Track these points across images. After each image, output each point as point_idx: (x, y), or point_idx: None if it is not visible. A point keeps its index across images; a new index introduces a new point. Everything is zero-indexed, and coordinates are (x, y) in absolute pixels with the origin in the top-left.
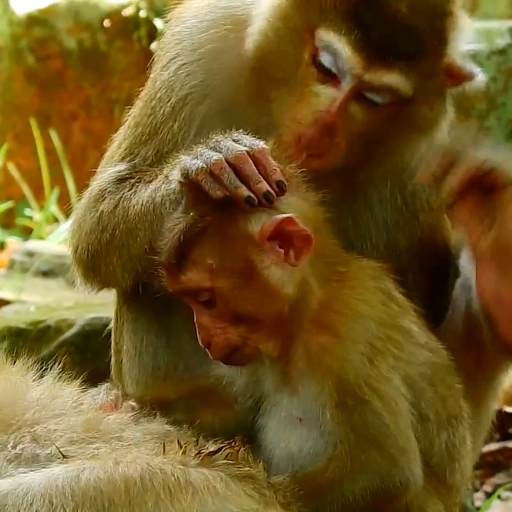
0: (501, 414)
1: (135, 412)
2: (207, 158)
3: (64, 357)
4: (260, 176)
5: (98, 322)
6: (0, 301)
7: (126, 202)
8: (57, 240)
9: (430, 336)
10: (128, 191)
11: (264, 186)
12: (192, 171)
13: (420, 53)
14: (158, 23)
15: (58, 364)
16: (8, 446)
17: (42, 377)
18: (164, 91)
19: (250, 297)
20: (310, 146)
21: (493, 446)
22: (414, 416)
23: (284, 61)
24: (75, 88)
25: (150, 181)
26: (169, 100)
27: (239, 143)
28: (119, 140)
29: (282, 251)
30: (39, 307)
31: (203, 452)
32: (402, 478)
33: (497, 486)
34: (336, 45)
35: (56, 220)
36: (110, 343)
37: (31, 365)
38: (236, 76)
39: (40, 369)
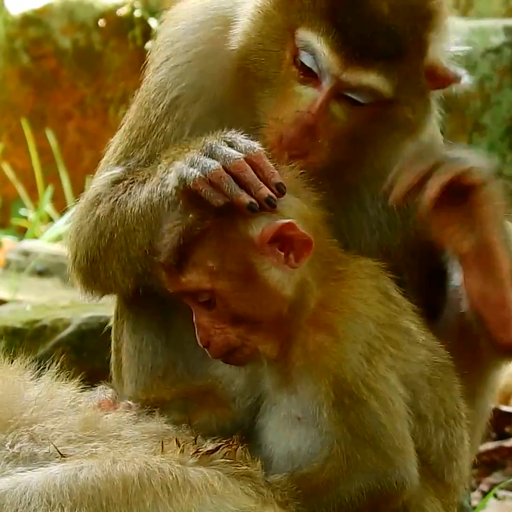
0: (497, 413)
1: (133, 411)
2: (205, 167)
3: (61, 356)
4: (260, 182)
5: (94, 321)
6: None
7: (123, 205)
8: (51, 238)
9: (429, 335)
10: (123, 193)
11: (265, 191)
12: (190, 180)
13: (400, 53)
14: (152, 22)
15: (55, 364)
16: (6, 445)
17: (39, 377)
18: (157, 93)
19: (250, 298)
20: (291, 146)
21: (490, 445)
22: (412, 415)
23: (267, 61)
24: (69, 88)
25: (144, 182)
26: (162, 102)
27: (234, 148)
28: (115, 144)
29: (282, 254)
30: (35, 307)
31: (201, 451)
32: (398, 479)
33: (493, 486)
34: (315, 45)
35: (50, 219)
36: (107, 342)
37: (28, 364)
38: (227, 76)
39: (37, 369)
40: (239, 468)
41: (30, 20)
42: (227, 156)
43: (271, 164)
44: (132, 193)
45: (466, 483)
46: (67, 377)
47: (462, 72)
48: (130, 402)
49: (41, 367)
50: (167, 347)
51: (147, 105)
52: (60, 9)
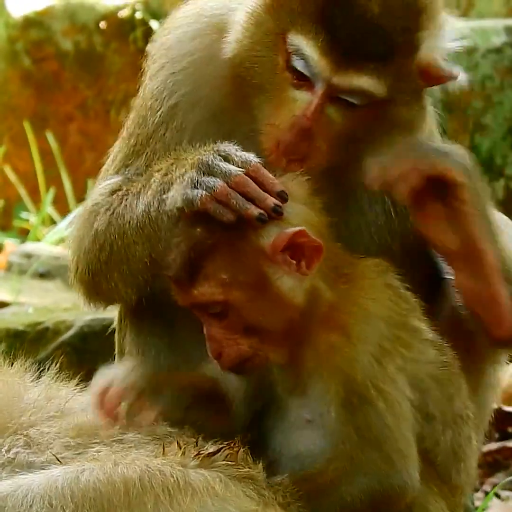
0: (500, 413)
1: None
2: (209, 187)
3: (62, 358)
4: (264, 193)
5: (96, 324)
6: None
7: (120, 219)
8: (53, 241)
9: (435, 334)
10: (118, 205)
11: (271, 201)
12: (197, 201)
13: (391, 54)
14: (154, 24)
15: (56, 366)
16: (2, 450)
17: (40, 379)
18: (154, 100)
19: (263, 307)
20: (288, 151)
21: (493, 446)
22: (420, 414)
23: (260, 67)
24: (71, 90)
25: (139, 193)
26: (160, 109)
27: (230, 162)
28: (114, 153)
29: (294, 262)
30: (37, 309)
31: (202, 453)
32: (400, 482)
33: (496, 486)
34: (305, 49)
35: (52, 221)
36: (109, 344)
37: (29, 366)
38: (223, 83)
39: (38, 371)
40: (240, 470)
41: (31, 22)
42: (226, 173)
43: (269, 174)
44: (127, 206)
45: (473, 484)
46: (69, 379)
47: (457, 70)
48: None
49: (43, 369)
50: (169, 350)
51: (144, 113)
52: (62, 11)
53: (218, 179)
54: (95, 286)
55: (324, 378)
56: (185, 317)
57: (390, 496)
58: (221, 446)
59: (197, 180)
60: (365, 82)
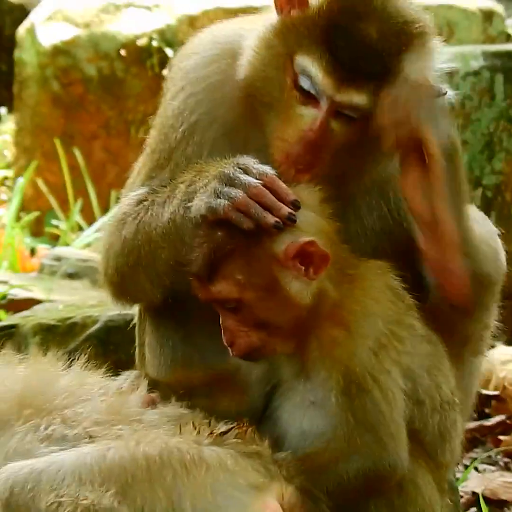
0: (478, 396)
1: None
2: (231, 197)
3: (89, 349)
4: (279, 203)
5: (119, 318)
6: (32, 300)
7: (147, 226)
8: (81, 245)
9: (427, 328)
10: (145, 214)
11: (286, 210)
12: (220, 210)
13: (388, 74)
14: (169, 52)
15: (84, 356)
16: (41, 428)
17: (70, 367)
18: (175, 118)
19: (273, 307)
20: (297, 162)
21: (472, 425)
22: (411, 400)
23: (270, 87)
24: (95, 111)
25: (164, 203)
26: (181, 126)
27: (249, 174)
28: (139, 167)
29: (303, 267)
30: (66, 306)
31: (215, 433)
32: (391, 462)
33: (474, 460)
34: (311, 70)
35: (80, 228)
36: (130, 336)
37: (60, 357)
38: (236, 103)
39: (68, 360)
40: (249, 447)
41: (59, 51)
42: (246, 184)
43: (283, 185)
44: (153, 214)
45: (457, 461)
46: (95, 367)
47: (445, 88)
48: (152, 395)
49: (72, 359)
50: (183, 342)
51: (166, 130)
52: (86, 41)
53: (238, 190)
54: (124, 288)
55: (326, 367)
56: (197, 314)
57: (382, 474)
58: (231, 426)
59: (220, 190)
60: (363, 98)
